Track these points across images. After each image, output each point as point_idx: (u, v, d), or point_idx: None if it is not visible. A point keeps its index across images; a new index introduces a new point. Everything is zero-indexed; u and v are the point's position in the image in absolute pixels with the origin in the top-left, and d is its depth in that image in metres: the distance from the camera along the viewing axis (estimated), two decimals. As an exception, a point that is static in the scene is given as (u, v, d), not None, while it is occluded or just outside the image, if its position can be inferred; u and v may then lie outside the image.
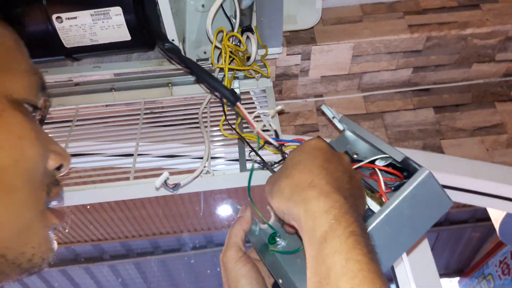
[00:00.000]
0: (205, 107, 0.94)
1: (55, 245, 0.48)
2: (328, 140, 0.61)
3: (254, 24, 0.91)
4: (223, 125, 0.86)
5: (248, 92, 0.99)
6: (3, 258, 0.41)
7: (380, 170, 0.55)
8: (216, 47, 0.85)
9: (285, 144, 0.67)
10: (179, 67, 0.96)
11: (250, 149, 0.68)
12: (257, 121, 0.68)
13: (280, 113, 1.12)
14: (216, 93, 0.85)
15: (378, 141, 0.57)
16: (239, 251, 0.58)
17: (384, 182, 0.54)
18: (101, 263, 3.82)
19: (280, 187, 0.49)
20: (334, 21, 1.09)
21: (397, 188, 0.53)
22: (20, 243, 0.43)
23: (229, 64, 0.85)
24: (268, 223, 0.63)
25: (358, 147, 0.67)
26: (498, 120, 1.10)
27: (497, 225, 1.74)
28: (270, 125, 0.71)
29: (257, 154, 0.67)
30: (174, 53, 0.81)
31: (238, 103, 0.71)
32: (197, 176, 0.77)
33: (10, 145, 0.41)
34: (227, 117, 0.78)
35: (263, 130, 0.68)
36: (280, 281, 0.55)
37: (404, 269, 1.01)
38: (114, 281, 4.06)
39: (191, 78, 0.98)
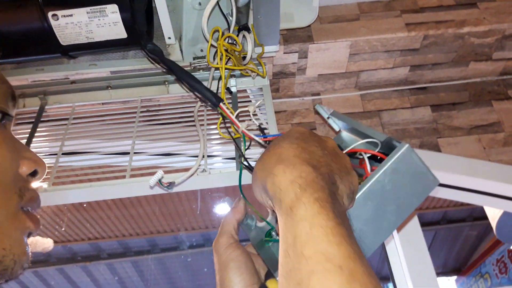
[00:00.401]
0: (201, 105, 0.94)
1: (29, 250, 0.48)
2: None
3: (251, 22, 0.91)
4: (221, 125, 0.86)
5: (245, 90, 0.99)
6: None
7: (367, 156, 0.55)
8: (212, 45, 0.85)
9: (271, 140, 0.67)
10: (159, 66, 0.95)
11: (239, 151, 0.68)
12: (242, 120, 0.68)
13: (277, 111, 1.12)
14: (199, 95, 0.85)
15: (363, 127, 0.58)
16: (230, 238, 0.59)
17: (370, 165, 0.54)
18: (99, 261, 3.82)
19: (255, 173, 0.49)
20: (331, 19, 1.09)
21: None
22: None
23: (226, 63, 0.84)
24: (265, 220, 0.63)
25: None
26: (495, 119, 1.10)
27: (494, 224, 1.74)
28: (253, 121, 0.71)
29: (243, 156, 0.67)
30: (155, 54, 0.81)
31: (221, 104, 0.70)
32: (193, 175, 0.77)
33: None
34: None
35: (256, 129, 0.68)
36: (276, 273, 0.55)
37: (401, 268, 1.01)
38: (112, 280, 4.05)
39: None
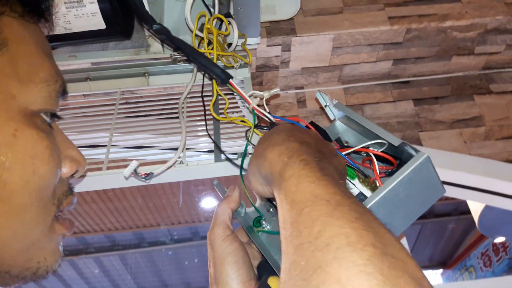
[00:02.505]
0: (185, 98, 0.93)
1: (61, 254, 0.47)
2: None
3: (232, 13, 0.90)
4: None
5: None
6: (7, 274, 0.41)
7: (374, 155, 0.55)
8: (196, 35, 0.84)
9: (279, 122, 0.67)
10: (157, 56, 0.95)
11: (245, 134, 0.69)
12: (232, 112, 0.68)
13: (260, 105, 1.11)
14: (206, 73, 0.84)
15: (374, 126, 0.57)
16: (226, 229, 0.57)
17: (378, 168, 0.54)
18: (85, 255, 3.80)
19: (250, 164, 0.52)
20: (314, 12, 1.09)
21: (390, 174, 0.53)
22: (25, 259, 0.42)
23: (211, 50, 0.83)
24: (254, 205, 0.63)
25: (348, 136, 0.67)
26: (476, 113, 1.11)
27: (476, 218, 1.76)
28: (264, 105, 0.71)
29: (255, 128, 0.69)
30: (163, 34, 0.79)
31: (230, 80, 0.70)
32: (171, 166, 0.76)
33: (22, 166, 0.39)
34: (217, 99, 0.78)
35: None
36: (269, 259, 0.55)
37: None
38: (99, 274, 4.04)
39: (168, 67, 0.96)
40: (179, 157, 0.79)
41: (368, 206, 0.48)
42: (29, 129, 0.40)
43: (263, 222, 0.62)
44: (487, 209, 1.67)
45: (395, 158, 0.54)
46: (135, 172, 0.68)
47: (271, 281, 0.54)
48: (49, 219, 0.44)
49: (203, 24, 0.83)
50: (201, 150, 0.88)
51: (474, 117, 1.11)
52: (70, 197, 0.47)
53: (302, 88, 1.17)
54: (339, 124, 0.70)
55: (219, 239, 0.56)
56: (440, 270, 4.71)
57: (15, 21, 0.43)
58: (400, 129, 1.08)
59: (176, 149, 0.82)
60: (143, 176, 0.71)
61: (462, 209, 3.80)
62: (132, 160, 0.70)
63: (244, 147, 0.70)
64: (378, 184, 0.53)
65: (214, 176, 0.80)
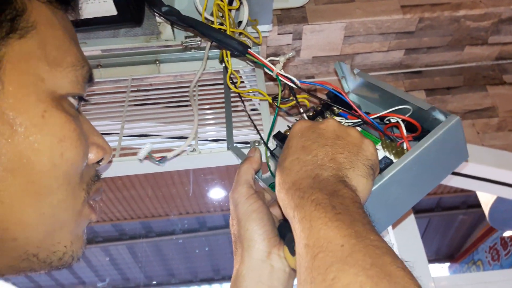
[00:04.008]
0: (195, 85, 0.93)
1: (85, 241, 0.48)
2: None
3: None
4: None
5: (238, 71, 0.98)
6: (35, 257, 0.41)
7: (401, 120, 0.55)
8: (206, 18, 0.83)
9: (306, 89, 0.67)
10: (168, 43, 0.94)
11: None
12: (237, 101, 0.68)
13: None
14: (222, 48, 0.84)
15: (401, 92, 0.57)
16: (250, 188, 0.59)
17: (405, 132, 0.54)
18: (94, 245, 3.83)
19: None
20: (326, 0, 1.07)
21: (416, 139, 0.53)
22: (52, 243, 0.42)
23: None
24: (271, 171, 0.66)
25: (364, 108, 0.66)
26: (489, 104, 1.10)
27: (486, 210, 1.75)
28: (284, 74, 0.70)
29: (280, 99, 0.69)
30: (173, 15, 0.79)
31: (249, 50, 0.70)
32: (184, 151, 0.76)
33: (50, 148, 0.40)
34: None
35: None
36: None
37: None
38: (107, 263, 4.07)
39: (179, 55, 0.96)
40: (190, 145, 0.78)
41: (402, 164, 0.48)
42: (57, 112, 0.41)
43: None
44: (498, 202, 1.65)
45: (420, 125, 0.54)
46: (149, 155, 0.68)
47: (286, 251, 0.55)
48: (78, 204, 0.44)
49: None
50: (208, 139, 0.87)
51: (487, 108, 1.09)
52: (98, 183, 0.48)
53: (312, 77, 1.16)
54: (353, 97, 0.70)
55: (243, 198, 0.57)
56: (447, 264, 4.70)
57: (44, 6, 0.44)
58: (411, 119, 1.07)
59: (186, 137, 0.82)
60: (157, 159, 0.71)
61: (470, 202, 3.79)
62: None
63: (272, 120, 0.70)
64: (406, 147, 0.53)
65: (226, 164, 0.80)
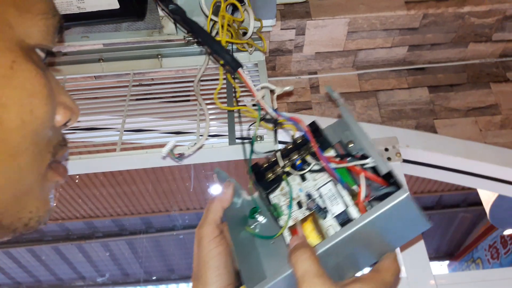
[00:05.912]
0: (198, 81, 0.92)
1: (52, 205, 0.44)
2: (324, 127, 0.59)
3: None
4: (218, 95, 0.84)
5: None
6: None
7: (366, 175, 0.53)
8: (211, 19, 0.82)
9: (281, 122, 0.65)
10: (170, 38, 0.94)
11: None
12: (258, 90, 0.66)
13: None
14: (215, 59, 0.83)
15: (369, 145, 0.53)
16: (216, 229, 0.56)
17: (365, 193, 0.51)
18: (94, 240, 3.83)
19: None
20: (330, -4, 1.07)
21: (376, 199, 0.51)
22: (17, 208, 0.39)
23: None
24: (253, 197, 0.62)
25: None
26: (492, 101, 1.09)
27: (487, 208, 1.74)
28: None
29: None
30: (178, 15, 0.78)
31: (239, 70, 0.69)
32: (200, 147, 0.76)
33: (19, 103, 0.36)
34: (221, 89, 0.77)
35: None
36: (240, 265, 0.54)
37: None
38: (106, 258, 4.07)
39: (181, 49, 0.95)
40: (206, 138, 0.78)
41: (347, 233, 0.46)
42: (27, 63, 0.37)
43: (257, 216, 0.61)
44: (500, 200, 1.65)
45: (387, 178, 0.51)
46: (171, 152, 0.68)
47: None
48: (43, 167, 0.41)
49: (218, 6, 0.82)
50: (212, 134, 0.87)
51: (490, 105, 1.09)
52: (64, 147, 0.44)
53: (315, 73, 1.16)
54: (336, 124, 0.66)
55: (207, 239, 0.55)
56: (447, 262, 4.70)
57: None
58: (414, 117, 1.06)
59: (188, 132, 0.81)
60: (177, 156, 0.71)
61: (470, 200, 3.78)
62: (145, 144, 0.70)
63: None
64: (359, 212, 0.51)
65: (227, 159, 0.79)
